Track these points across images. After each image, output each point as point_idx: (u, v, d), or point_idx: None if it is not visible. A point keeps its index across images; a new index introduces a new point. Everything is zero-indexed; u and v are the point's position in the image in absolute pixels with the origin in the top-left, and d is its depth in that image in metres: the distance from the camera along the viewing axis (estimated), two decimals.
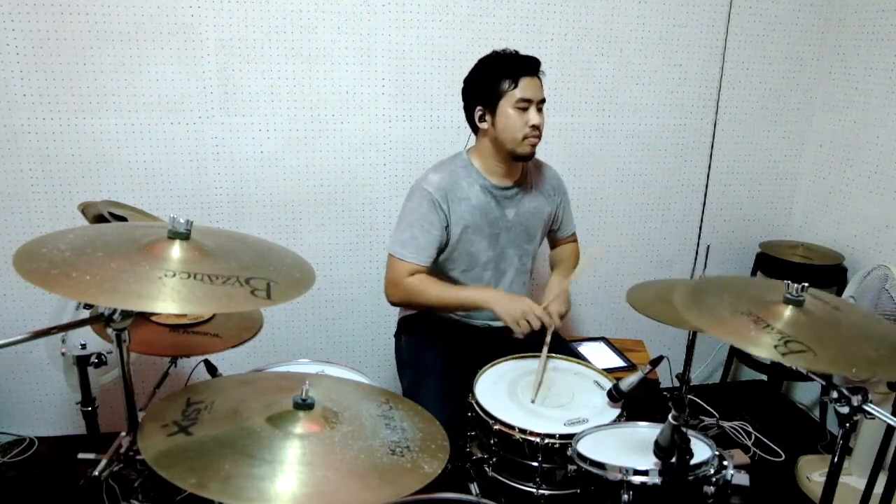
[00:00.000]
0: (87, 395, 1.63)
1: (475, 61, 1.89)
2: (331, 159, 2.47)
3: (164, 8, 2.20)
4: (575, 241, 2.24)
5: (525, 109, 1.81)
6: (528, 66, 1.82)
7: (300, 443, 1.09)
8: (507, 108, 1.81)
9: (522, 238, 2.01)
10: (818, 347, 1.16)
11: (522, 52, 1.86)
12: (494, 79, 1.82)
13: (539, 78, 1.85)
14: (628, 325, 2.87)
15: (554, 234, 2.18)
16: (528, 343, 1.90)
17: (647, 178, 2.77)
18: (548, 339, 1.77)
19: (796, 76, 2.75)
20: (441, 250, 1.92)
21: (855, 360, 1.17)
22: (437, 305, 1.92)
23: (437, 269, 1.97)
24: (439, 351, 1.93)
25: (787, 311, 1.25)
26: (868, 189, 2.57)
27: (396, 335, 2.13)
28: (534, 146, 1.85)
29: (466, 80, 1.91)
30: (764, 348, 1.16)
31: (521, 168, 1.98)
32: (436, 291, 1.87)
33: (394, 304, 1.96)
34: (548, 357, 1.78)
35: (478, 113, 1.87)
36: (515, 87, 1.80)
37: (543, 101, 1.85)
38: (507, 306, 1.77)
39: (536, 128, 1.82)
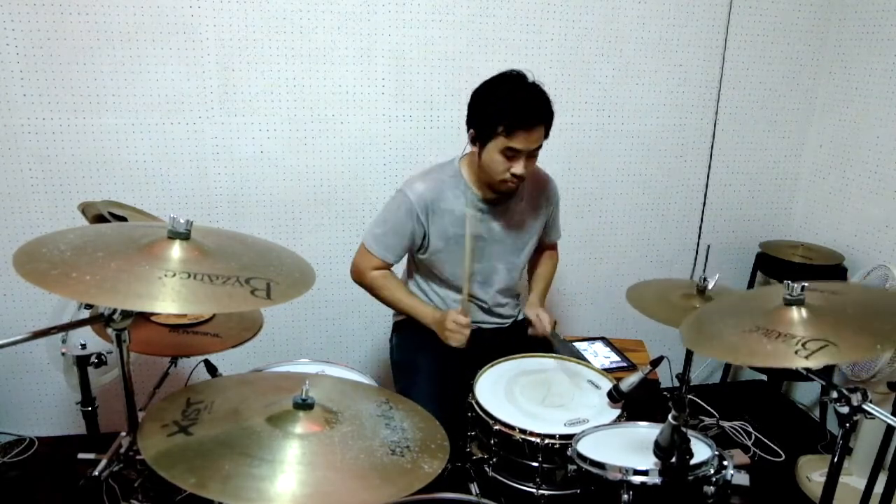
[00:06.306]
0: (87, 395, 1.63)
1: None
2: (331, 159, 2.47)
3: (164, 8, 2.20)
4: (555, 248, 2.21)
5: (512, 158, 1.71)
6: (529, 121, 1.68)
7: (300, 443, 1.09)
8: (494, 149, 1.71)
9: (510, 251, 1.97)
10: (836, 338, 1.13)
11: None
12: (492, 117, 1.69)
13: (542, 126, 1.72)
14: (628, 325, 2.87)
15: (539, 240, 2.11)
16: (527, 343, 1.90)
17: (647, 178, 2.77)
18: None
19: (796, 76, 2.75)
20: (416, 251, 1.93)
21: (874, 338, 1.14)
22: (389, 305, 1.99)
23: (427, 267, 1.97)
24: (430, 353, 1.91)
25: (792, 313, 1.22)
26: (868, 189, 2.56)
27: (390, 337, 2.14)
28: (512, 190, 1.82)
29: (474, 94, 1.78)
30: (786, 359, 1.12)
31: None
32: (390, 294, 1.94)
33: (355, 282, 2.00)
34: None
35: (470, 134, 1.79)
36: (508, 136, 1.68)
37: (539, 147, 1.74)
38: (435, 326, 1.83)
39: (518, 177, 1.74)
